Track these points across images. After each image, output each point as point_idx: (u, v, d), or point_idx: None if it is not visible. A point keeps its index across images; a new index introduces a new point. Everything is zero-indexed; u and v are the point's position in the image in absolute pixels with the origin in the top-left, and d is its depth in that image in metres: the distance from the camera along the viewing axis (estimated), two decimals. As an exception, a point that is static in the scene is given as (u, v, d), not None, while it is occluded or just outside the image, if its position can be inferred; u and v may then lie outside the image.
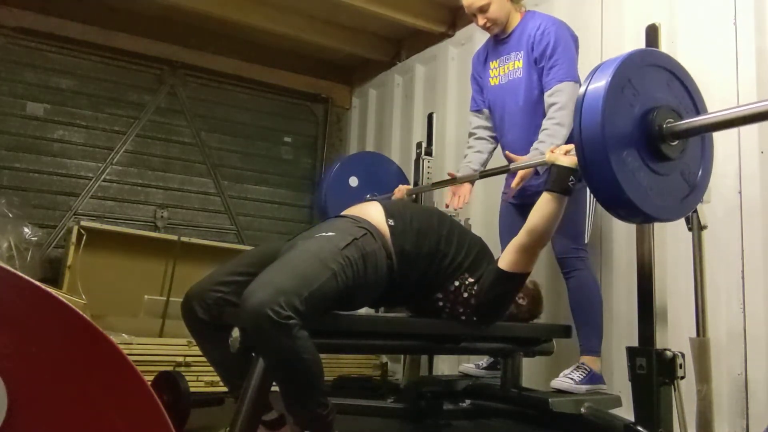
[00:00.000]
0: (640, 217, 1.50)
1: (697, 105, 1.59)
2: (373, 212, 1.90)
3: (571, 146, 1.76)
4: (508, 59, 2.54)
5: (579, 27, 2.58)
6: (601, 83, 1.42)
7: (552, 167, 1.87)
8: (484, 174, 2.48)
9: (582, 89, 1.47)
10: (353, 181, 3.25)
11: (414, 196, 2.93)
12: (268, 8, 4.00)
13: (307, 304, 1.53)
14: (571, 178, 1.80)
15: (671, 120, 1.46)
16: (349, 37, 4.36)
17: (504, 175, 2.47)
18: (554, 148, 1.93)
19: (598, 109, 1.39)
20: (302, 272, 1.58)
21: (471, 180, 2.57)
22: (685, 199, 1.57)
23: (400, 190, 2.86)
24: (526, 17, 2.53)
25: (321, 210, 3.30)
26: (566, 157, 1.82)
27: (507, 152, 2.33)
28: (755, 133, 2.18)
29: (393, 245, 1.83)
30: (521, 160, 2.23)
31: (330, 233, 1.75)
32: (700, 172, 1.60)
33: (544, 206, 1.85)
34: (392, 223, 1.87)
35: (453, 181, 2.57)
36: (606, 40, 2.80)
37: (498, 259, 1.95)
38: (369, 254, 1.74)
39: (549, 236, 1.91)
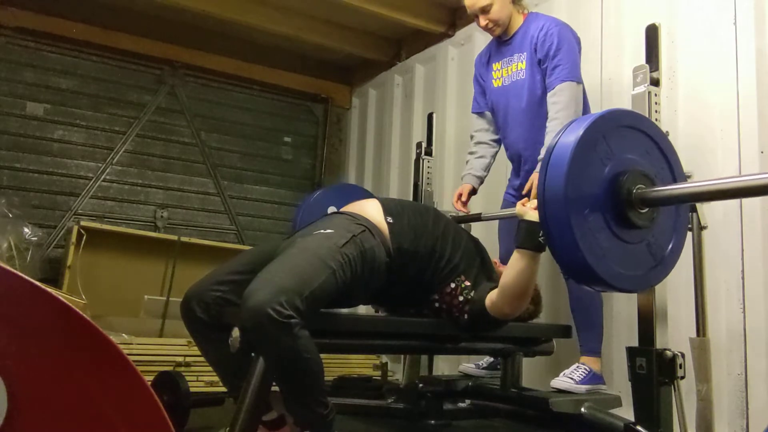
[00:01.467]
0: (599, 284, 1.42)
1: (675, 175, 1.52)
2: (371, 209, 1.90)
3: None
4: (511, 61, 2.54)
5: (579, 27, 2.58)
6: (572, 137, 1.35)
7: (520, 222, 1.79)
8: (458, 220, 2.50)
9: (553, 140, 1.41)
10: (331, 210, 3.20)
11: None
12: (268, 8, 4.00)
13: (307, 303, 1.53)
14: (541, 233, 1.65)
15: (642, 186, 1.39)
16: (349, 37, 4.36)
17: (507, 174, 2.48)
18: (525, 200, 1.85)
19: (564, 162, 1.32)
20: (302, 271, 1.58)
21: (475, 219, 2.58)
22: (651, 271, 1.49)
23: None
24: (528, 19, 2.53)
25: (293, 231, 3.25)
26: (535, 212, 1.68)
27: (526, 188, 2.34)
28: (755, 133, 2.18)
29: (391, 242, 1.83)
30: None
31: (329, 230, 1.75)
32: (669, 246, 1.53)
33: (515, 264, 1.75)
34: (391, 221, 1.87)
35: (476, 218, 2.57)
36: (606, 40, 2.80)
37: (487, 296, 1.85)
38: (367, 251, 1.74)
39: (527, 294, 1.81)
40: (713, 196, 1.42)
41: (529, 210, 1.76)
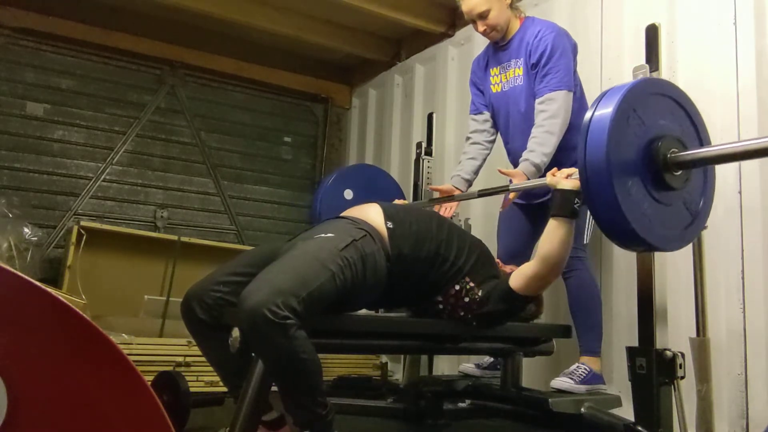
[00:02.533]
0: (643, 246, 1.50)
1: (699, 133, 1.59)
2: (372, 214, 1.90)
3: (573, 170, 1.77)
4: (508, 66, 2.53)
5: (579, 27, 2.58)
6: (607, 110, 1.41)
7: (555, 192, 1.86)
8: (483, 193, 2.45)
9: (588, 115, 1.47)
10: (348, 194, 3.22)
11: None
12: (268, 8, 4.00)
13: (304, 305, 1.53)
14: (576, 200, 1.79)
15: (675, 150, 1.45)
16: (349, 37, 4.36)
17: (506, 177, 2.46)
18: (554, 170, 1.91)
19: (603, 137, 1.39)
20: (300, 273, 1.58)
21: (469, 198, 2.55)
22: (687, 228, 1.56)
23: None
24: (525, 24, 2.51)
25: (314, 221, 3.28)
26: (568, 181, 1.81)
27: (500, 170, 2.33)
28: (755, 133, 2.18)
29: (391, 248, 1.83)
30: (519, 176, 2.23)
31: (329, 234, 1.75)
32: (701, 202, 1.59)
33: (554, 232, 1.82)
34: (391, 226, 1.86)
35: (451, 198, 2.54)
36: (606, 40, 2.80)
37: (510, 276, 1.91)
38: (368, 256, 1.74)
39: (563, 262, 1.87)
40: (744, 156, 1.48)
41: (561, 179, 1.84)
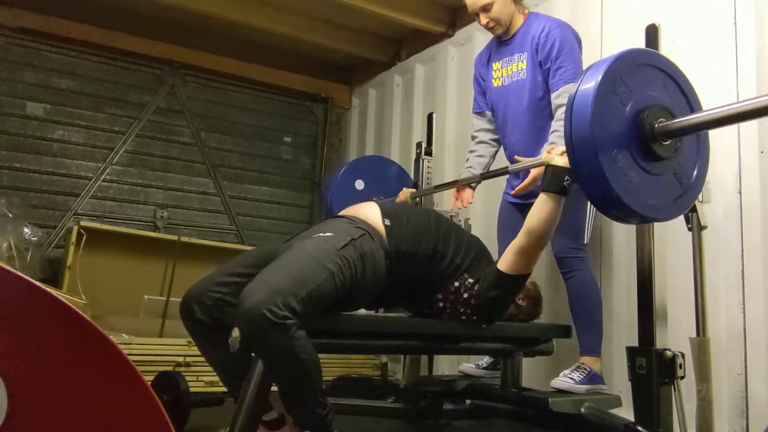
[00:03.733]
0: (634, 216, 1.50)
1: (692, 105, 1.58)
2: (370, 212, 1.90)
3: None
4: (511, 60, 2.53)
5: (579, 27, 2.58)
6: (592, 82, 1.41)
7: (547, 167, 1.88)
8: (485, 176, 2.48)
9: (573, 88, 1.47)
10: (359, 185, 3.24)
11: (417, 198, 2.93)
12: (268, 8, 4.00)
13: (304, 305, 1.53)
14: (567, 177, 1.81)
15: (663, 119, 1.45)
16: (349, 37, 4.36)
17: (505, 177, 2.47)
18: (550, 148, 1.93)
19: (588, 108, 1.39)
20: (299, 272, 1.58)
21: (472, 182, 2.56)
22: (679, 198, 1.56)
23: (404, 193, 2.85)
24: (529, 18, 2.53)
25: (327, 213, 3.30)
26: (562, 158, 1.82)
27: (517, 158, 2.34)
28: (755, 132, 2.18)
29: (389, 245, 1.83)
30: (521, 161, 2.24)
31: (328, 234, 1.75)
32: (695, 172, 1.59)
33: (541, 207, 1.85)
34: (388, 224, 1.87)
35: (454, 183, 2.57)
36: (606, 40, 2.80)
37: (498, 261, 1.95)
38: (367, 254, 1.74)
39: (548, 237, 1.91)
40: (731, 120, 1.48)
41: (555, 156, 1.86)
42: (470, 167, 2.67)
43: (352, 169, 3.37)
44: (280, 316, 1.47)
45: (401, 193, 2.87)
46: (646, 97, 1.47)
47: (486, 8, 2.47)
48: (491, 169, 2.72)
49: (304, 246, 1.72)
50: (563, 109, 2.32)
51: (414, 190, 2.92)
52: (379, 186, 3.31)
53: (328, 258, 1.65)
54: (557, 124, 2.33)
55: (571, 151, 1.43)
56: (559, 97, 2.35)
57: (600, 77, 1.40)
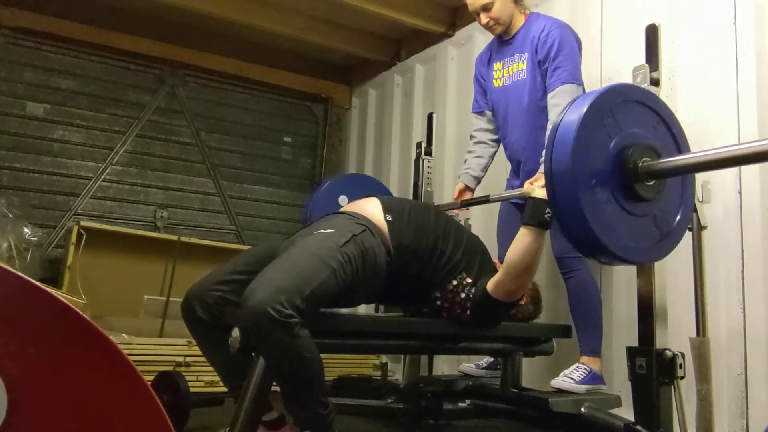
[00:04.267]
0: (607, 256, 1.44)
1: (680, 147, 1.53)
2: (371, 208, 1.90)
3: None
4: (512, 61, 2.53)
5: (579, 26, 2.58)
6: (576, 114, 1.36)
7: (528, 200, 1.84)
8: (466, 203, 2.54)
9: (558, 118, 1.42)
10: (342, 200, 3.21)
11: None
12: (268, 8, 4.00)
13: (307, 303, 1.53)
14: (547, 210, 1.75)
15: (648, 159, 1.40)
16: (349, 37, 4.36)
17: (506, 176, 2.48)
18: (533, 179, 1.90)
19: (570, 140, 1.34)
20: (302, 271, 1.58)
21: (452, 208, 2.59)
22: (659, 243, 1.51)
23: None
24: (530, 19, 2.53)
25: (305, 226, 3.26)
26: (542, 190, 1.75)
27: (526, 185, 2.34)
28: (755, 133, 2.18)
29: (391, 240, 1.83)
30: (504, 193, 2.29)
31: (329, 230, 1.75)
32: (677, 218, 1.54)
33: (521, 240, 1.81)
34: (390, 219, 1.87)
35: (485, 199, 2.57)
36: (606, 40, 2.80)
37: (488, 281, 1.90)
38: (368, 250, 1.74)
39: (531, 270, 1.85)
40: (715, 165, 1.43)
41: (536, 188, 1.82)
42: (468, 168, 2.67)
43: (336, 185, 3.30)
44: (285, 315, 1.47)
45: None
46: (633, 135, 1.42)
47: (486, 7, 2.47)
48: (492, 167, 2.73)
49: (306, 243, 1.71)
50: (558, 108, 2.32)
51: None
52: None
53: (330, 255, 1.65)
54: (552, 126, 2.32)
55: (549, 182, 1.39)
56: (555, 97, 2.35)
57: (586, 109, 1.35)
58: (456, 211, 2.66)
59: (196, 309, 1.78)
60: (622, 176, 1.40)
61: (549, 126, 2.33)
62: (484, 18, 2.50)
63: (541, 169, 2.24)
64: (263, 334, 1.49)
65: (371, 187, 3.37)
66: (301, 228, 1.97)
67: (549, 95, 2.38)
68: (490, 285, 1.88)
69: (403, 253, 1.85)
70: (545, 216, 1.76)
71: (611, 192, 1.39)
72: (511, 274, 1.83)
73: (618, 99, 1.45)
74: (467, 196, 2.61)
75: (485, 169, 2.68)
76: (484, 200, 2.34)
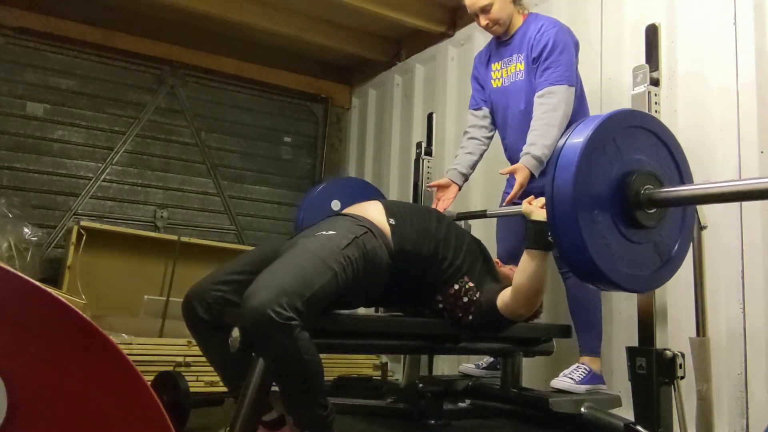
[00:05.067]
0: (605, 283, 1.43)
1: (681, 172, 1.53)
2: (373, 211, 1.90)
3: None
4: (510, 61, 2.53)
5: (579, 27, 2.58)
6: (581, 137, 1.35)
7: (528, 223, 1.82)
8: (462, 216, 2.54)
9: (560, 143, 1.42)
10: (335, 205, 3.17)
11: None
12: (268, 8, 4.00)
13: (308, 305, 1.53)
14: (550, 233, 1.67)
15: (650, 186, 1.40)
16: (349, 37, 4.36)
17: (505, 176, 2.47)
18: (531, 199, 1.86)
19: (573, 164, 1.33)
20: (304, 272, 1.58)
21: (480, 216, 2.57)
22: (658, 271, 1.50)
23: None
24: (528, 19, 2.51)
25: (297, 229, 3.24)
26: (542, 211, 1.73)
27: (501, 172, 2.36)
28: (755, 133, 2.18)
29: (393, 244, 1.83)
30: (502, 209, 2.28)
31: (331, 232, 1.75)
32: (676, 247, 1.53)
33: (527, 266, 1.77)
34: (393, 222, 1.87)
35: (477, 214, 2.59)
36: (606, 40, 2.80)
37: (498, 296, 1.88)
38: (369, 252, 1.74)
39: (540, 293, 1.84)
40: (720, 199, 1.42)
41: (535, 209, 1.79)
42: (458, 165, 2.62)
43: (329, 189, 3.27)
44: (285, 317, 1.47)
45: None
46: (635, 161, 1.42)
47: (485, 9, 2.46)
48: (492, 167, 2.72)
49: (308, 245, 1.71)
50: (544, 108, 2.30)
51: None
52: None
53: (332, 257, 1.65)
54: (538, 123, 2.30)
55: (550, 205, 1.38)
56: (542, 97, 2.32)
57: (590, 134, 1.35)
58: (435, 203, 2.59)
59: (196, 309, 1.78)
60: (624, 203, 1.39)
61: (529, 137, 2.31)
62: (483, 20, 2.49)
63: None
64: (263, 335, 1.49)
65: (366, 191, 3.36)
66: (302, 230, 1.96)
67: (536, 95, 2.35)
68: (500, 302, 1.85)
69: (405, 257, 1.85)
70: (549, 238, 1.70)
71: (612, 219, 1.38)
72: (521, 300, 1.81)
73: (622, 124, 1.44)
74: (452, 192, 2.58)
75: (474, 166, 2.65)
76: (482, 215, 2.33)
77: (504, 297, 1.85)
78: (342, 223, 1.83)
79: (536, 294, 1.82)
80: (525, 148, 2.30)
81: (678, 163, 1.53)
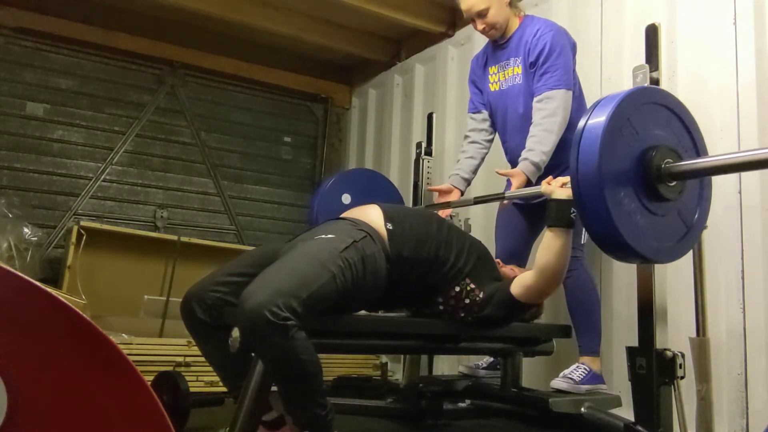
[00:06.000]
0: (636, 258, 1.48)
1: (696, 144, 1.57)
2: (372, 215, 1.90)
3: (568, 179, 1.73)
4: (507, 65, 2.52)
5: (579, 27, 2.58)
6: (600, 120, 1.39)
7: (550, 202, 1.85)
8: (480, 200, 2.47)
9: (581, 123, 1.45)
10: (346, 199, 3.19)
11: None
12: (268, 8, 4.00)
13: (305, 306, 1.53)
14: (571, 210, 1.77)
15: (670, 160, 1.44)
16: (349, 37, 4.36)
17: (504, 177, 2.47)
18: (549, 179, 1.91)
19: (596, 147, 1.37)
20: (301, 274, 1.58)
21: (465, 205, 2.56)
22: (682, 240, 1.54)
23: (445, 213, 2.82)
24: (524, 22, 2.50)
25: (311, 224, 3.26)
26: (563, 190, 1.80)
27: (498, 171, 2.36)
28: (755, 133, 2.18)
29: (390, 249, 1.82)
30: (519, 175, 2.25)
31: (330, 235, 1.75)
32: (696, 214, 1.57)
33: (550, 244, 1.82)
34: (390, 227, 1.86)
35: (447, 205, 2.55)
36: (606, 40, 2.79)
37: (512, 281, 1.91)
38: (368, 257, 1.74)
39: (562, 272, 1.86)
40: (737, 168, 1.48)
41: (555, 188, 1.84)
42: (459, 170, 2.63)
43: (340, 181, 3.29)
44: (282, 318, 1.47)
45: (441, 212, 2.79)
46: (654, 137, 1.46)
47: (482, 14, 2.45)
48: (493, 169, 2.72)
49: (306, 247, 1.72)
50: (542, 113, 2.31)
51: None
52: (368, 200, 3.24)
53: (330, 260, 1.65)
54: (536, 129, 2.31)
55: (576, 186, 1.42)
56: (540, 102, 2.33)
57: (610, 113, 1.39)
58: (444, 212, 2.59)
59: (195, 310, 1.78)
60: (646, 178, 1.43)
61: (528, 142, 2.31)
62: (479, 24, 2.48)
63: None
64: (260, 336, 1.49)
65: (376, 182, 3.40)
66: (303, 232, 1.97)
67: (534, 99, 2.35)
68: (517, 289, 1.87)
69: (403, 263, 1.84)
70: (571, 215, 1.77)
71: (635, 193, 1.42)
72: (547, 277, 1.83)
73: (640, 102, 1.47)
74: (454, 197, 2.58)
75: (475, 171, 2.65)
76: (500, 197, 2.31)
77: (523, 282, 1.87)
78: (341, 227, 1.83)
79: (562, 270, 1.85)
80: (523, 154, 2.31)
81: (693, 136, 1.58)
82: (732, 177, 2.21)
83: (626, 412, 1.92)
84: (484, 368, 2.61)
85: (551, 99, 2.30)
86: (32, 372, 0.76)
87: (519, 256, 2.51)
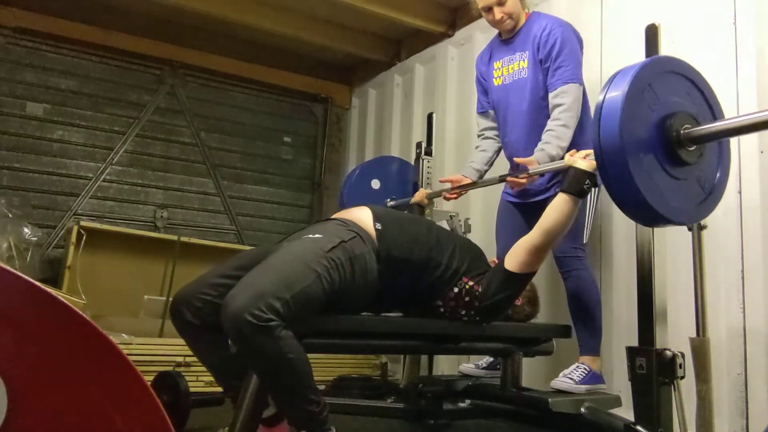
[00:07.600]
0: (657, 220, 1.52)
1: (713, 110, 1.62)
2: (361, 216, 1.90)
3: (590, 151, 1.81)
4: (512, 59, 2.54)
5: (579, 27, 2.58)
6: (621, 87, 1.44)
7: (570, 169, 1.92)
8: (504, 178, 2.42)
9: (602, 93, 1.48)
10: (375, 184, 3.25)
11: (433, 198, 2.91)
12: (268, 8, 4.00)
13: (289, 307, 1.52)
14: (587, 181, 1.86)
15: (689, 126, 1.48)
16: (349, 37, 4.36)
17: (502, 183, 2.47)
18: (573, 152, 1.97)
19: (616, 114, 1.41)
20: (283, 274, 1.58)
21: (491, 184, 2.57)
22: (702, 203, 1.58)
23: (420, 194, 2.85)
24: (531, 18, 2.54)
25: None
26: (585, 161, 1.88)
27: (516, 159, 2.35)
28: (755, 133, 2.18)
29: (380, 249, 1.82)
30: (537, 165, 2.23)
31: (317, 235, 1.74)
32: (717, 178, 1.61)
33: (559, 206, 1.89)
34: (379, 227, 1.86)
35: (473, 185, 2.61)
36: (606, 40, 2.80)
37: (503, 261, 1.95)
38: (357, 257, 1.74)
39: (561, 236, 1.94)
40: (754, 128, 1.52)
41: (577, 159, 1.91)
42: (472, 162, 2.68)
43: (369, 167, 3.39)
44: (264, 320, 1.46)
45: (417, 193, 2.86)
46: (672, 104, 1.50)
47: (501, 2, 2.48)
48: (493, 168, 2.72)
49: (291, 248, 1.71)
50: (560, 108, 2.33)
51: (429, 191, 2.89)
52: (395, 186, 3.30)
53: (315, 260, 1.64)
54: (554, 124, 2.33)
55: (599, 155, 1.46)
56: (556, 97, 2.36)
57: (628, 84, 1.43)
58: (445, 194, 2.65)
59: (185, 313, 1.77)
60: (666, 143, 1.48)
61: (544, 136, 2.32)
62: (498, 13, 2.49)
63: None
64: (244, 339, 1.49)
65: (401, 167, 3.44)
66: (293, 232, 1.96)
67: (551, 95, 2.38)
68: (513, 261, 1.92)
69: (393, 263, 1.84)
70: (584, 186, 1.86)
71: (656, 158, 1.46)
72: (549, 236, 1.90)
73: (656, 71, 1.52)
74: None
75: (489, 163, 2.69)
76: (524, 173, 2.29)
77: (515, 251, 1.93)
78: (330, 227, 1.82)
79: (561, 232, 1.92)
80: (540, 145, 2.33)
81: (710, 102, 1.62)
82: (732, 177, 2.18)
83: (626, 412, 1.92)
84: (484, 368, 2.61)
85: (567, 93, 2.34)
86: (32, 372, 0.76)
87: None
